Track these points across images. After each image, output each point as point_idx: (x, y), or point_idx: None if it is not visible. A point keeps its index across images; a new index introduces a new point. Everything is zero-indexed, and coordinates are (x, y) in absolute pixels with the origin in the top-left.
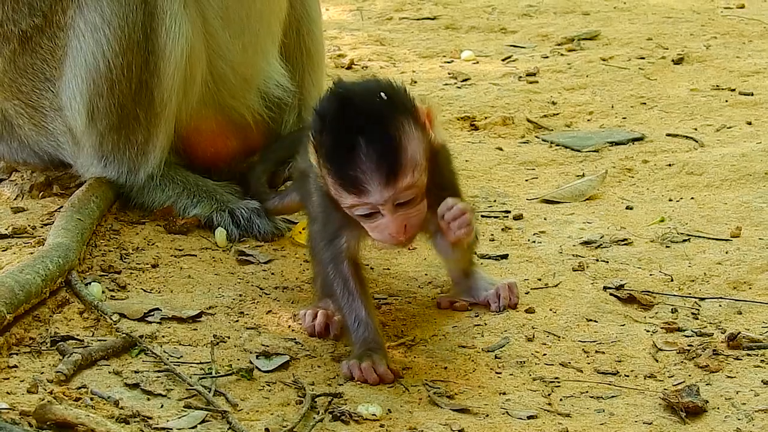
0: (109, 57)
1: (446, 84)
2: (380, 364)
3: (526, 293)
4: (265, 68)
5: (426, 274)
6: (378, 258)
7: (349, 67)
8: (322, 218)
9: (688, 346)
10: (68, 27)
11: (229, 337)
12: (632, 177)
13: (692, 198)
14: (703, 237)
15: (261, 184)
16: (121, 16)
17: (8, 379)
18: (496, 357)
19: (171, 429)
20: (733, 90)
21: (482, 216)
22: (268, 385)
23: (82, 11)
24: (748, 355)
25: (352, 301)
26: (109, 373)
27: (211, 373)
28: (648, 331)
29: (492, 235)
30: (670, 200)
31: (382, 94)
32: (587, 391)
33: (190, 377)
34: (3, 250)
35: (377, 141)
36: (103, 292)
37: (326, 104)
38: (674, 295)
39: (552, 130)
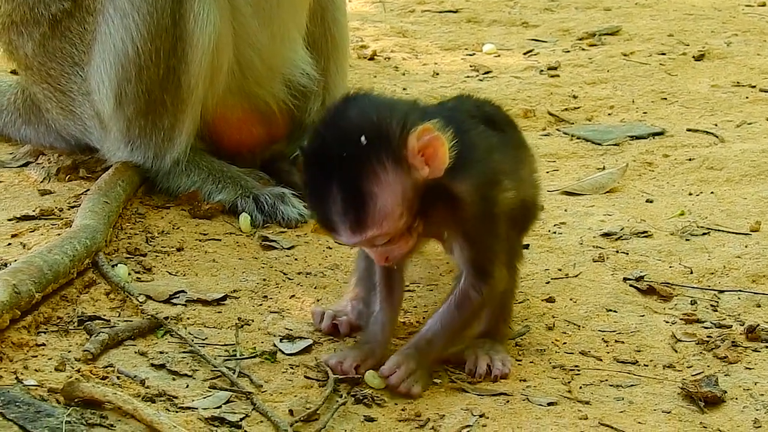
0: (137, 42)
1: (468, 77)
2: (347, 362)
3: (547, 283)
4: (291, 56)
5: (447, 263)
6: None
7: (371, 58)
8: None
9: (707, 337)
10: (98, 12)
11: (252, 320)
12: (653, 171)
13: (712, 192)
14: (723, 231)
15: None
16: (150, 2)
17: (36, 356)
18: (516, 345)
19: (196, 409)
20: (754, 87)
21: None
22: (292, 368)
23: None
24: (767, 347)
25: (375, 292)
26: (135, 353)
27: (235, 355)
28: (667, 322)
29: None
30: (690, 194)
31: (362, 138)
32: (606, 380)
33: (215, 359)
34: (31, 231)
35: (346, 190)
36: (129, 273)
37: (310, 141)
38: (693, 287)
39: (573, 123)
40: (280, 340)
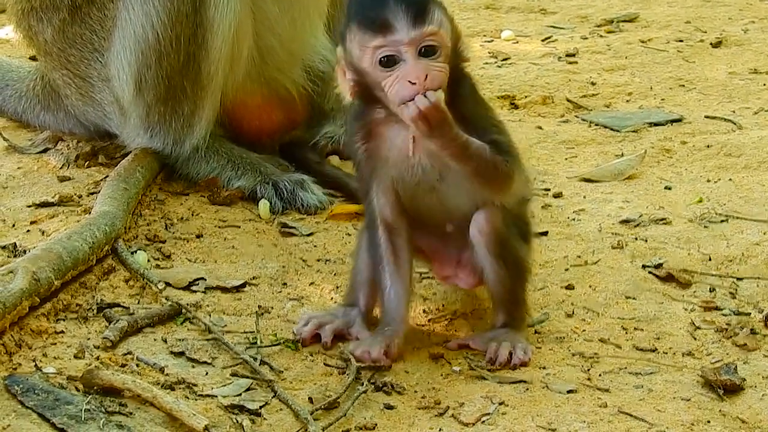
0: (158, 29)
1: (486, 63)
2: (375, 350)
3: (566, 270)
4: (311, 42)
5: None
6: None
7: None
8: (357, 177)
9: (726, 324)
10: None
11: (272, 308)
12: (671, 158)
13: (730, 179)
14: (741, 218)
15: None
16: None
17: (55, 344)
18: (536, 332)
19: (216, 396)
20: None
21: None
22: (311, 356)
23: None
24: None
25: (381, 269)
26: (155, 340)
27: (255, 343)
28: (686, 310)
29: (532, 212)
30: (708, 181)
31: None
32: (626, 367)
33: (236, 346)
34: (50, 218)
35: None
36: (148, 260)
37: None
38: (712, 275)
39: (591, 110)
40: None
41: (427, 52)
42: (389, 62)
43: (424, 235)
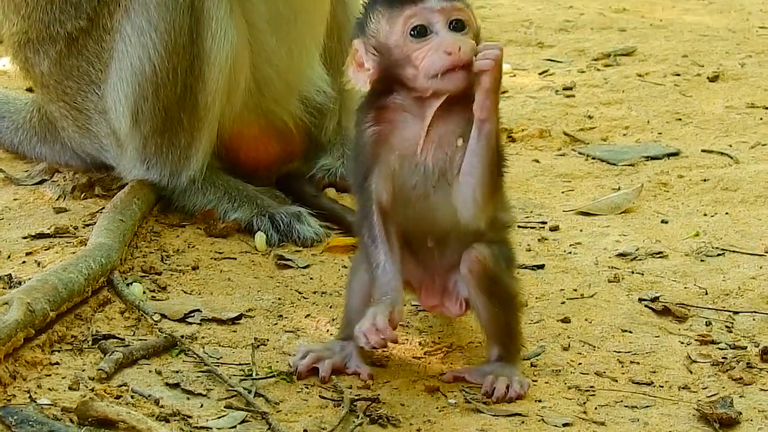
0: (154, 61)
1: None
2: (380, 318)
3: (562, 303)
4: (308, 73)
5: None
6: None
7: None
8: (354, 167)
9: (722, 358)
10: (115, 30)
11: (268, 340)
12: (667, 191)
13: (727, 213)
14: (738, 252)
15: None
16: (167, 21)
17: (50, 375)
18: (532, 365)
19: (211, 428)
20: None
21: (519, 226)
22: (307, 388)
23: (129, 15)
24: None
25: (374, 247)
26: (150, 372)
27: (251, 375)
28: (682, 343)
29: (528, 245)
30: (705, 215)
31: None
32: (622, 401)
33: (230, 378)
34: (45, 249)
35: None
36: (144, 292)
37: None
38: (708, 308)
39: (588, 143)
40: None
41: (456, 26)
42: (420, 33)
43: (409, 260)
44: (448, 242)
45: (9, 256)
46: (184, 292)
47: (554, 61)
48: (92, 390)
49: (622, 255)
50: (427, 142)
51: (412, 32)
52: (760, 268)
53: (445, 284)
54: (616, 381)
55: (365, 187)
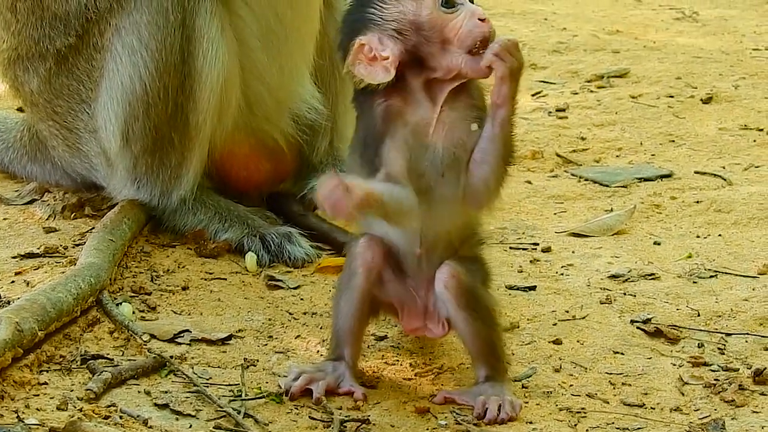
0: (145, 80)
1: None
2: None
3: (554, 325)
4: (299, 90)
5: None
6: None
7: None
8: (361, 145)
9: (714, 380)
10: (105, 49)
11: (258, 361)
12: (660, 213)
13: (720, 235)
14: (730, 273)
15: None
16: (159, 40)
17: (38, 395)
18: (523, 386)
19: None
20: (761, 130)
21: (511, 248)
22: (296, 409)
23: (120, 34)
24: None
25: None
26: (139, 392)
27: (240, 396)
28: (674, 365)
29: (520, 266)
30: (698, 237)
31: None
32: (613, 423)
33: (219, 399)
34: (35, 269)
35: None
36: (133, 312)
37: None
38: (701, 330)
39: (581, 165)
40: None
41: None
42: (450, 3)
43: (393, 277)
44: (437, 249)
45: None
46: (174, 312)
47: (547, 82)
48: (80, 410)
49: (614, 276)
50: (438, 126)
51: (444, 4)
52: (753, 290)
53: (426, 304)
54: (608, 403)
55: (376, 159)
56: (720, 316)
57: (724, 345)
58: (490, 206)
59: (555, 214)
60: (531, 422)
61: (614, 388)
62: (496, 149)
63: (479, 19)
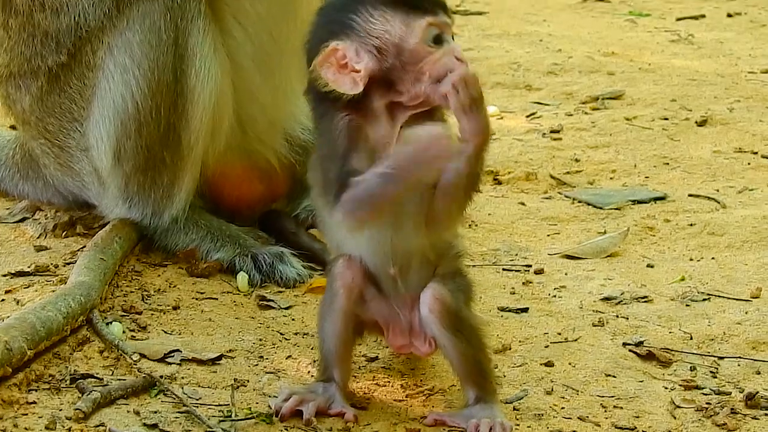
0: (137, 98)
1: None
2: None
3: (546, 347)
4: (292, 111)
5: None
6: None
7: None
8: (324, 159)
9: (706, 404)
10: (97, 68)
11: (248, 381)
12: (654, 236)
13: (713, 258)
14: (723, 297)
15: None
16: (151, 59)
17: (27, 414)
18: (514, 409)
19: None
20: (756, 153)
21: (503, 269)
22: (287, 430)
23: (112, 52)
24: (766, 414)
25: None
26: (128, 412)
27: (230, 416)
28: (666, 388)
29: (513, 288)
30: (691, 260)
31: None
32: None
33: (209, 419)
34: (25, 288)
35: None
36: (123, 332)
37: None
38: (693, 353)
39: (575, 186)
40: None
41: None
42: (437, 40)
43: (375, 296)
44: (411, 268)
45: None
46: (165, 332)
47: (542, 104)
48: (69, 430)
49: (607, 299)
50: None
51: (432, 39)
52: (746, 313)
53: (411, 321)
54: (599, 426)
55: (342, 171)
56: (713, 340)
57: (717, 368)
58: (448, 232)
59: (548, 235)
60: None
61: (606, 411)
62: (461, 182)
63: (456, 58)
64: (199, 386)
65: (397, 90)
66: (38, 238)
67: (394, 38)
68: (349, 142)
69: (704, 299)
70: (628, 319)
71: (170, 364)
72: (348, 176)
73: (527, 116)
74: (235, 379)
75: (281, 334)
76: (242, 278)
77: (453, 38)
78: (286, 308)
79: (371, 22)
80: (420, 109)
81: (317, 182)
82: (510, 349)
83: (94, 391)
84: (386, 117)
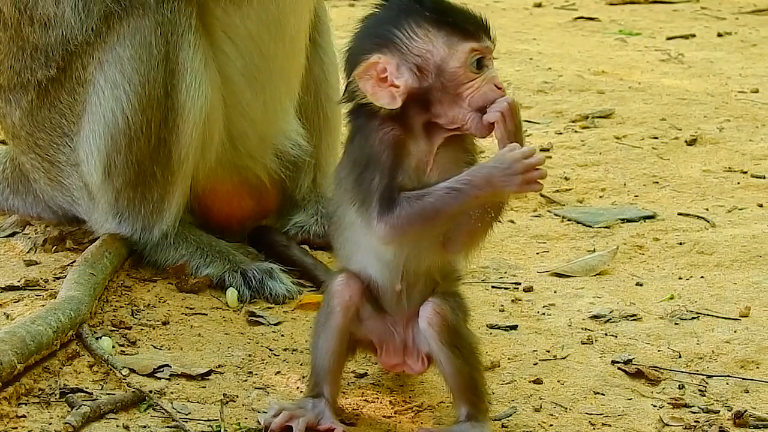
0: (128, 113)
1: None
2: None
3: (535, 364)
4: (283, 126)
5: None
6: None
7: None
8: (364, 172)
9: (695, 422)
10: (88, 83)
11: (237, 396)
12: (643, 254)
13: (702, 277)
14: (712, 315)
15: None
16: (142, 74)
17: (16, 428)
18: (503, 426)
19: None
20: (745, 172)
21: (493, 287)
22: None
23: (103, 67)
24: None
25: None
26: (117, 426)
27: (219, 431)
28: (655, 406)
29: (502, 306)
30: (680, 278)
31: None
32: None
33: None
34: (15, 302)
35: None
36: (113, 346)
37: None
38: (682, 372)
39: (564, 205)
40: None
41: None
42: (479, 65)
43: (372, 315)
44: (417, 285)
45: None
46: (154, 347)
47: (532, 122)
48: None
49: (595, 317)
50: (434, 165)
51: (474, 64)
52: (734, 332)
53: (405, 340)
54: None
55: (389, 184)
56: (701, 358)
57: (705, 387)
58: (469, 254)
59: (537, 253)
60: None
61: (594, 429)
62: (492, 208)
63: (496, 86)
64: (188, 401)
65: (433, 111)
66: (28, 252)
67: (436, 59)
68: (395, 157)
69: (693, 318)
70: (616, 337)
71: (159, 379)
72: (394, 190)
73: None
74: (224, 395)
75: (270, 349)
76: (232, 294)
77: (493, 63)
78: (276, 324)
79: (414, 40)
80: (455, 133)
81: (354, 194)
82: (499, 366)
83: (84, 405)
84: (423, 136)
